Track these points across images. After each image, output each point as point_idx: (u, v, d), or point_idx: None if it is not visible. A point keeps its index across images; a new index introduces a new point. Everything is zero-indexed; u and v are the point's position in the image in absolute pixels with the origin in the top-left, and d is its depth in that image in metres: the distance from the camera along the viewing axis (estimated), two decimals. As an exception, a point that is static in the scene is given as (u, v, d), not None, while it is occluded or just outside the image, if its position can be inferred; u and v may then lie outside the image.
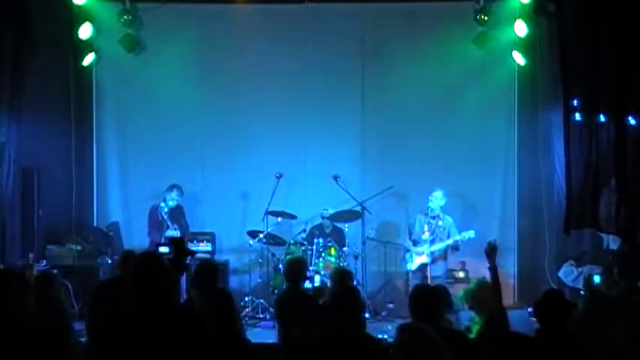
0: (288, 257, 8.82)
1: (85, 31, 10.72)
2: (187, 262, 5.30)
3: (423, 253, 9.78)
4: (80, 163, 10.89)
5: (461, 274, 10.42)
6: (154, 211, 10.23)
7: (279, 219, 10.45)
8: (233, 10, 11.11)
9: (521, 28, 10.50)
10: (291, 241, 10.31)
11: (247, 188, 11.13)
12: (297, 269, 6.79)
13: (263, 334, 8.74)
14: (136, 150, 11.31)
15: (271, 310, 9.39)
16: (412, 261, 9.93)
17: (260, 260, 10.51)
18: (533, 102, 10.79)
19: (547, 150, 10.57)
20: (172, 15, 11.17)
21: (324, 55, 11.09)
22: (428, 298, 5.09)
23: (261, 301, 10.12)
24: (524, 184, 11.03)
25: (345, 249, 10.30)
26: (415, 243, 9.95)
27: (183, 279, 7.09)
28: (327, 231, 10.58)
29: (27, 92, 10.09)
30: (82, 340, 6.32)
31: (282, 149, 11.10)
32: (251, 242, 10.47)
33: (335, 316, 4.73)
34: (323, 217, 10.62)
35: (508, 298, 10.36)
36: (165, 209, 10.09)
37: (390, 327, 8.74)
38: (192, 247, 10.08)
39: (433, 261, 9.76)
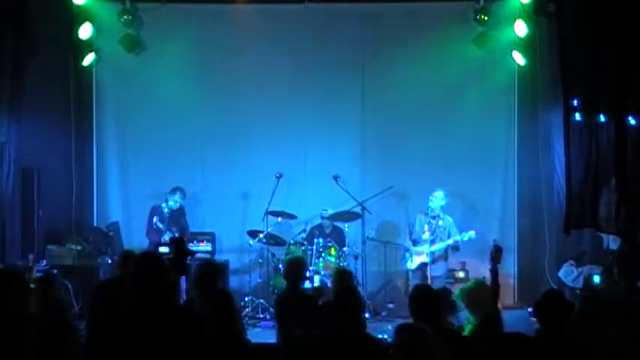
0: (288, 257, 8.82)
1: (85, 31, 10.72)
2: (187, 262, 5.30)
3: (422, 252, 9.78)
4: (80, 163, 10.89)
5: (461, 274, 10.42)
6: (155, 212, 10.25)
7: (279, 219, 10.45)
8: (233, 10, 11.11)
9: (521, 28, 10.50)
10: (291, 241, 10.31)
11: (247, 188, 11.13)
12: (296, 269, 6.79)
13: (263, 334, 8.74)
14: (136, 150, 11.31)
15: (271, 310, 9.38)
16: (412, 260, 9.93)
17: (260, 260, 10.52)
18: (533, 102, 10.80)
19: (547, 150, 10.57)
20: (172, 15, 11.17)
21: (324, 55, 11.09)
22: (428, 298, 5.09)
23: (261, 301, 10.12)
24: (524, 184, 11.03)
25: (345, 249, 10.30)
26: (415, 243, 9.95)
27: (183, 279, 7.08)
28: (327, 231, 10.59)
29: (27, 92, 10.09)
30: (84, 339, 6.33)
31: (282, 149, 11.11)
32: (251, 242, 10.47)
33: (335, 316, 4.74)
34: (322, 218, 10.63)
35: (508, 298, 10.39)
36: (166, 209, 10.10)
37: (390, 327, 8.72)
38: (192, 247, 10.10)
39: (433, 261, 9.76)
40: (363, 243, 10.48)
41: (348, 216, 10.59)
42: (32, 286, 6.62)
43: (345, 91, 11.23)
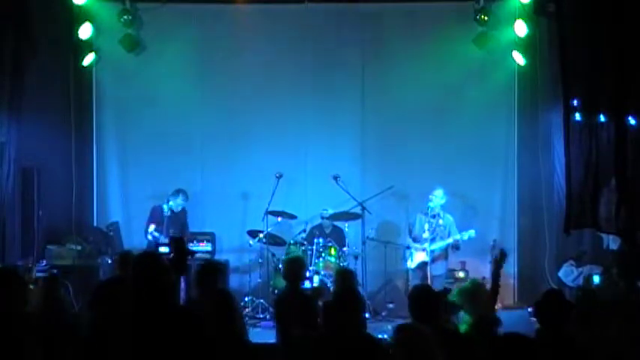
0: (287, 257, 8.82)
1: (85, 31, 10.72)
2: (187, 262, 5.31)
3: (424, 249, 9.77)
4: (80, 163, 10.89)
5: (461, 274, 10.42)
6: (156, 212, 10.26)
7: (279, 219, 10.45)
8: (233, 10, 11.11)
9: (521, 28, 10.49)
10: (291, 241, 10.31)
11: (247, 188, 11.13)
12: (295, 269, 6.79)
13: (263, 334, 8.73)
14: (136, 150, 11.31)
15: (271, 310, 9.38)
16: (412, 259, 9.93)
17: (260, 260, 10.52)
18: (533, 102, 10.79)
19: (547, 150, 10.57)
20: (172, 15, 11.17)
21: (324, 55, 11.09)
22: (427, 299, 5.09)
23: (261, 301, 10.13)
24: (524, 184, 11.03)
25: (345, 249, 10.30)
26: (415, 241, 9.96)
27: (182, 279, 7.08)
28: (327, 231, 10.59)
29: (27, 92, 10.08)
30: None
31: (282, 149, 11.10)
32: (251, 242, 10.47)
33: (336, 316, 4.74)
34: (322, 218, 10.63)
35: (508, 298, 10.39)
36: (167, 211, 10.11)
37: (390, 327, 8.71)
38: (192, 247, 10.10)
39: (433, 260, 9.76)
40: (363, 243, 10.48)
41: (348, 216, 10.59)
42: (32, 286, 6.65)
43: (345, 91, 11.23)
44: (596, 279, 9.39)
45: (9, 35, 9.79)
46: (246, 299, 10.19)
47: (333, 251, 10.10)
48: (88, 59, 10.89)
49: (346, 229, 10.56)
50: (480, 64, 10.98)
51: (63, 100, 10.63)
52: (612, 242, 9.61)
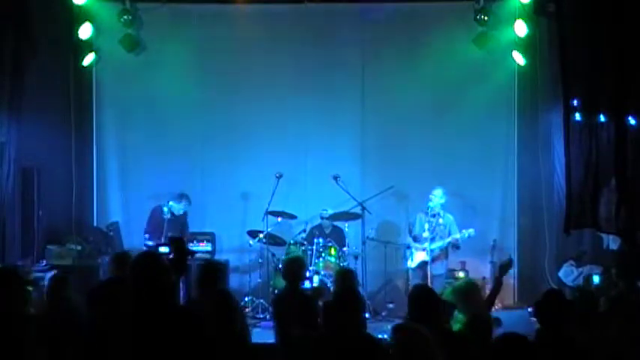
0: (287, 257, 8.82)
1: (85, 31, 10.72)
2: (187, 262, 5.31)
3: (423, 249, 9.77)
4: (80, 163, 10.88)
5: (461, 274, 10.42)
6: (156, 213, 10.26)
7: (279, 219, 10.45)
8: (233, 10, 11.11)
9: (521, 28, 10.49)
10: (291, 241, 10.32)
11: (247, 188, 11.13)
12: (295, 269, 6.79)
13: (263, 334, 8.73)
14: (135, 150, 11.31)
15: (271, 310, 9.38)
16: (412, 258, 9.93)
17: (260, 260, 10.52)
18: (533, 102, 10.79)
19: (547, 150, 10.57)
20: (172, 15, 11.17)
21: (324, 55, 11.09)
22: (427, 299, 5.10)
23: (261, 301, 10.13)
24: (524, 183, 11.03)
25: (345, 249, 10.31)
26: (415, 240, 9.96)
27: (182, 279, 7.08)
28: (327, 231, 10.59)
29: (27, 92, 10.07)
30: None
31: (282, 149, 11.11)
32: (251, 242, 10.47)
33: (336, 316, 4.74)
34: (322, 218, 10.63)
35: (508, 298, 10.40)
36: (167, 213, 10.10)
37: (389, 327, 8.72)
38: (192, 247, 10.11)
39: (433, 259, 9.76)
40: (363, 243, 10.48)
41: (348, 216, 10.60)
42: (30, 288, 6.65)
43: (345, 91, 11.23)
44: (596, 279, 9.39)
45: (9, 35, 9.78)
46: (246, 299, 10.19)
47: (333, 251, 10.10)
48: (88, 59, 10.89)
49: (346, 229, 10.57)
50: (480, 64, 10.97)
51: (63, 100, 10.62)
52: (612, 242, 9.61)
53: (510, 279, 10.69)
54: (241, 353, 5.18)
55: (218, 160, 11.26)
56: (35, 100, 10.19)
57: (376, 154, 11.24)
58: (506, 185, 11.17)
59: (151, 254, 4.72)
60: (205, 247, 10.69)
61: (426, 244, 9.74)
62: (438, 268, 9.83)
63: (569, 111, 9.11)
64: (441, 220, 9.84)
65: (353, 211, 10.59)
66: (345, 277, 6.86)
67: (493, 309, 6.74)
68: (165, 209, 10.14)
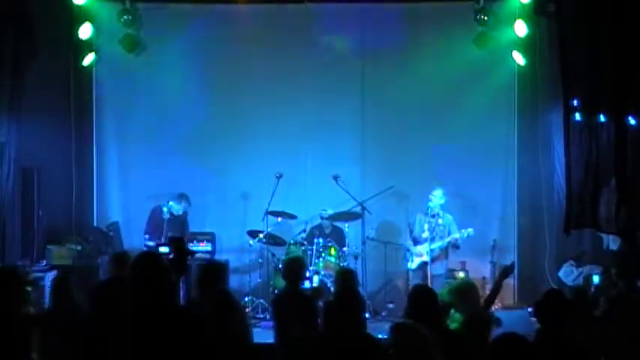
0: (287, 257, 8.82)
1: (85, 31, 10.71)
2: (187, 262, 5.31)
3: (423, 253, 9.79)
4: (80, 163, 10.88)
5: (461, 274, 10.42)
6: (156, 213, 10.26)
7: (279, 219, 10.45)
8: (233, 10, 11.10)
9: (521, 28, 10.49)
10: (291, 241, 10.32)
11: (247, 188, 11.14)
12: (295, 269, 6.79)
13: (263, 334, 8.70)
14: (135, 150, 11.31)
15: (271, 310, 9.38)
16: (412, 260, 9.94)
17: (260, 260, 10.52)
18: (533, 102, 10.79)
19: (547, 150, 10.57)
20: (172, 15, 11.17)
21: (324, 55, 11.09)
22: (427, 298, 5.10)
23: (261, 301, 10.13)
24: (524, 183, 11.03)
25: (345, 249, 10.31)
26: (415, 242, 9.96)
27: (182, 279, 7.08)
28: (327, 231, 10.59)
29: (27, 92, 10.08)
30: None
31: (282, 149, 11.10)
32: (251, 242, 10.48)
33: (336, 316, 4.74)
34: (322, 218, 10.63)
35: (508, 298, 10.39)
36: (167, 214, 10.10)
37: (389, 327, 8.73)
38: (192, 247, 10.10)
39: (433, 260, 9.76)
40: (363, 243, 10.48)
41: (348, 216, 10.60)
42: (30, 288, 6.65)
43: (345, 91, 11.23)
44: (596, 279, 9.39)
45: (9, 35, 9.78)
46: (246, 299, 10.19)
47: (333, 251, 10.11)
48: (88, 59, 10.89)
49: (346, 229, 10.57)
50: (480, 64, 10.96)
51: (63, 100, 10.62)
52: (612, 242, 9.61)
53: (510, 279, 10.66)
54: (241, 353, 5.17)
55: (218, 160, 11.26)
56: (35, 100, 10.19)
57: (376, 154, 11.24)
58: (506, 185, 11.17)
59: (151, 254, 4.73)
60: (205, 247, 10.69)
61: (426, 245, 9.74)
62: (438, 268, 9.83)
63: (569, 111, 9.11)
64: (440, 221, 9.84)
65: (353, 211, 10.59)
66: (345, 277, 6.86)
67: (493, 309, 6.75)
68: (165, 209, 10.14)
